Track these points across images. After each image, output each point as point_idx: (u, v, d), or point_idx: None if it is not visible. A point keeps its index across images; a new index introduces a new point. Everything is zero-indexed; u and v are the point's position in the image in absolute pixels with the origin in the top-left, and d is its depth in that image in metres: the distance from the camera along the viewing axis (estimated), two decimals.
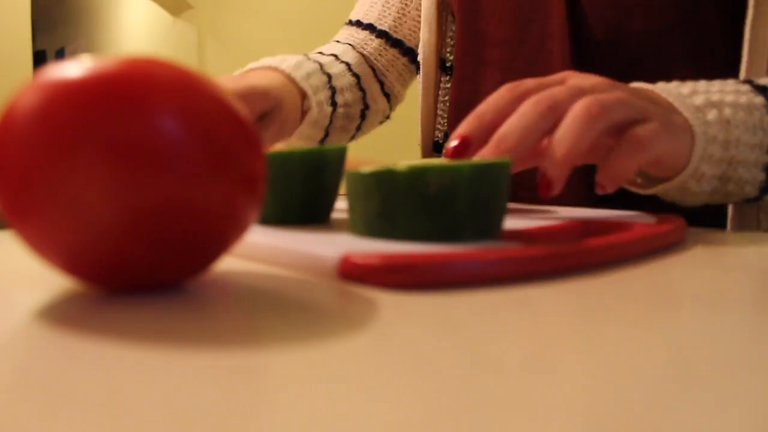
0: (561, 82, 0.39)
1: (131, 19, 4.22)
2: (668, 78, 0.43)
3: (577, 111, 0.34)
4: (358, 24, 0.73)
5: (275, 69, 0.60)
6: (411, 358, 0.13)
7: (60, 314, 0.17)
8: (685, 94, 0.39)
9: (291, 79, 0.60)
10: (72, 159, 0.16)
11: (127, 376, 0.12)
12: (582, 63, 0.53)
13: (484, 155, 0.33)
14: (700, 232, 0.37)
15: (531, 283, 0.21)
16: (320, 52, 0.69)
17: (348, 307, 0.18)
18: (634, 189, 0.45)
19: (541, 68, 0.56)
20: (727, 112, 0.39)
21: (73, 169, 0.17)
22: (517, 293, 0.20)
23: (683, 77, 0.43)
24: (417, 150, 0.68)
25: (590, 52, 0.53)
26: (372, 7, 0.73)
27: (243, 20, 3.27)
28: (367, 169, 0.26)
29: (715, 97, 0.39)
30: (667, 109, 0.38)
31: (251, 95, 0.54)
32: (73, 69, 0.17)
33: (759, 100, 0.40)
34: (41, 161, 0.17)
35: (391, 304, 0.18)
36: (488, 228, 0.26)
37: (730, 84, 0.41)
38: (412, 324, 0.16)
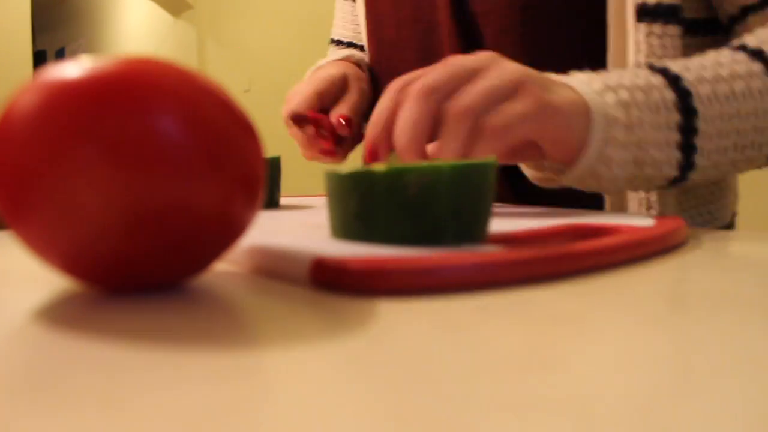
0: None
1: (131, 20, 4.23)
2: (542, 46, 0.44)
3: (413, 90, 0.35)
4: (334, 42, 0.80)
5: (332, 62, 0.67)
6: (402, 361, 0.13)
7: (58, 314, 0.17)
8: (584, 81, 0.39)
9: (347, 59, 0.68)
10: (71, 159, 0.16)
11: (126, 376, 0.12)
12: (466, 35, 0.57)
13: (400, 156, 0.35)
14: (699, 233, 0.37)
15: (515, 287, 0.21)
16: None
17: (336, 311, 0.18)
18: (544, 185, 0.45)
19: (434, 42, 0.60)
20: (624, 94, 0.38)
21: (71, 170, 0.17)
22: (500, 297, 0.20)
23: (557, 41, 0.44)
24: None
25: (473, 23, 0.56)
26: (336, 23, 0.79)
27: (243, 20, 3.27)
28: (345, 169, 0.26)
29: (612, 81, 0.39)
30: (558, 84, 0.38)
31: (325, 87, 0.60)
32: (72, 69, 0.17)
33: (656, 79, 0.39)
34: (40, 161, 0.17)
35: (372, 309, 0.18)
36: (471, 231, 0.25)
37: (628, 70, 0.41)
38: (402, 329, 0.16)
